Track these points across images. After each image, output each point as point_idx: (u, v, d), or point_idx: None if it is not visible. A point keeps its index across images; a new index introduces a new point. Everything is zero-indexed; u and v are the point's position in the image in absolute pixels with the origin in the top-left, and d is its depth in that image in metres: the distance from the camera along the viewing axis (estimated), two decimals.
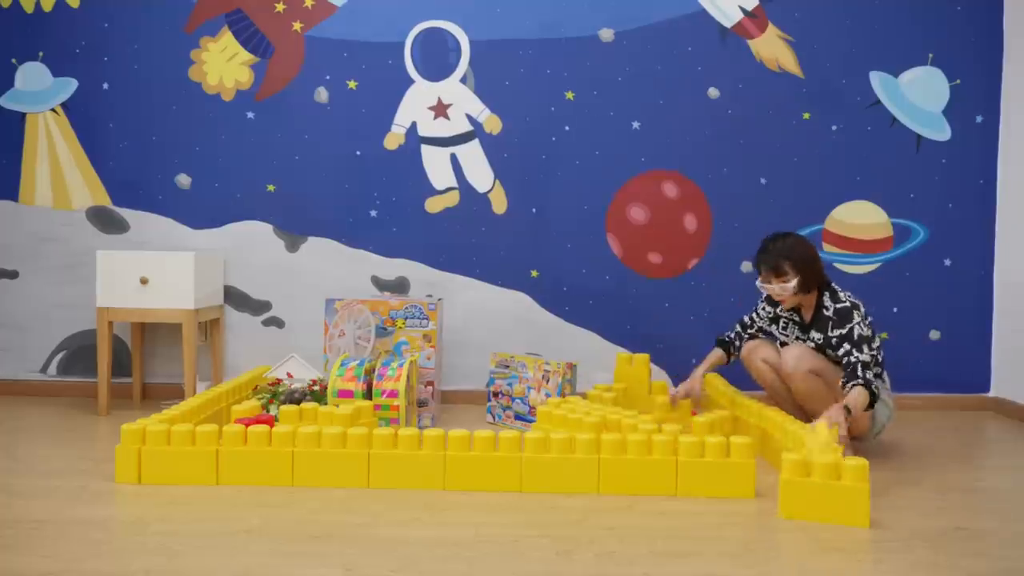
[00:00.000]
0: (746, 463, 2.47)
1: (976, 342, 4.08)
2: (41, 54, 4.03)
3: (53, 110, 4.05)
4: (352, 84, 4.04)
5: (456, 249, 4.05)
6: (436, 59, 4.04)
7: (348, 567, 1.92)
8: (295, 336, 4.06)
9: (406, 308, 3.69)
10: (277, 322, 4.08)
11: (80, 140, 4.06)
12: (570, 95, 4.04)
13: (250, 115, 4.04)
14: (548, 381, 3.56)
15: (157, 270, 3.68)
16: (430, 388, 3.62)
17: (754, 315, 3.33)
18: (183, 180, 4.06)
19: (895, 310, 4.06)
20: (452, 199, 4.06)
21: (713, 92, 4.03)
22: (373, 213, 4.05)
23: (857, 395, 2.81)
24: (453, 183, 4.05)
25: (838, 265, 4.06)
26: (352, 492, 2.52)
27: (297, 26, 4.02)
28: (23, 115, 4.06)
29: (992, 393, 4.07)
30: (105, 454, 2.89)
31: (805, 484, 2.27)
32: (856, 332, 2.94)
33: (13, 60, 4.04)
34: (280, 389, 3.23)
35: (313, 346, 3.94)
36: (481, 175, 4.05)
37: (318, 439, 2.59)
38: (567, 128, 4.04)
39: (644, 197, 4.05)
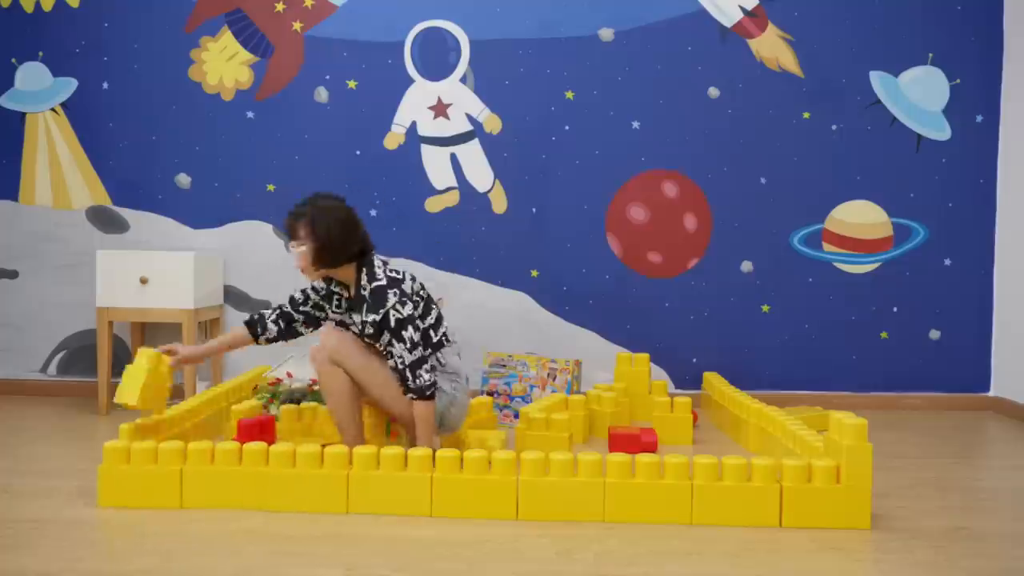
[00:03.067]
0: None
1: (976, 342, 4.08)
2: (41, 54, 4.03)
3: (53, 110, 4.05)
4: (352, 84, 4.04)
5: (456, 249, 4.05)
6: (436, 59, 4.04)
7: (348, 567, 1.92)
8: None
9: None
10: None
11: (80, 140, 4.06)
12: (570, 95, 4.04)
13: (250, 115, 4.04)
14: (555, 379, 3.57)
15: (157, 270, 3.68)
16: None
17: (309, 289, 2.76)
18: (183, 180, 4.06)
19: (895, 310, 4.06)
20: (452, 199, 4.06)
21: (713, 92, 4.03)
22: (373, 213, 4.05)
23: (420, 415, 2.52)
24: (453, 183, 4.05)
25: (838, 265, 4.06)
26: None
27: (297, 26, 4.02)
28: (23, 115, 4.06)
29: (992, 393, 4.07)
30: None
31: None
32: (392, 317, 2.50)
33: (13, 60, 4.04)
34: (280, 389, 3.23)
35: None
36: (481, 175, 4.05)
37: (292, 458, 2.34)
38: (567, 128, 4.04)
39: (644, 197, 4.05)
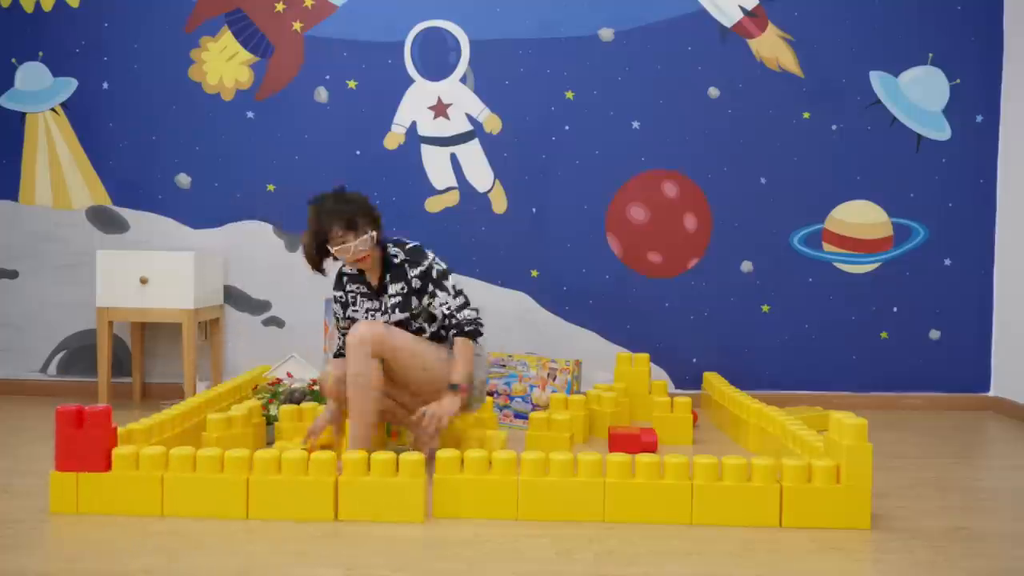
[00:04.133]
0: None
1: (976, 342, 4.08)
2: (41, 54, 4.03)
3: (53, 110, 4.05)
4: (352, 84, 4.04)
5: (456, 249, 4.04)
6: (436, 59, 4.04)
7: (348, 567, 1.92)
8: (295, 336, 4.06)
9: None
10: (277, 322, 4.08)
11: (80, 140, 4.06)
12: (570, 95, 4.04)
13: (250, 115, 4.04)
14: (555, 379, 3.57)
15: (157, 270, 3.68)
16: None
17: (338, 314, 2.83)
18: (183, 180, 4.06)
19: (895, 310, 4.06)
20: (452, 199, 4.06)
21: (713, 92, 4.03)
22: None
23: (462, 351, 2.60)
24: (453, 183, 4.05)
25: (838, 265, 4.06)
26: None
27: (297, 26, 4.02)
28: (23, 115, 4.06)
29: (992, 393, 4.07)
30: None
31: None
32: (435, 269, 2.70)
33: (13, 60, 4.04)
34: (280, 389, 3.23)
35: (313, 346, 3.94)
36: (481, 175, 4.05)
37: (277, 464, 2.27)
38: (567, 128, 4.04)
39: (644, 197, 4.05)
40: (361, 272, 2.76)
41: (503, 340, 4.02)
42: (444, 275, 2.71)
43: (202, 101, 4.04)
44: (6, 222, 4.08)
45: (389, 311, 2.71)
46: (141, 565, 1.91)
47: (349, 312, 2.80)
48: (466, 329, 2.63)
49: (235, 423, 2.86)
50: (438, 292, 2.66)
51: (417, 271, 2.69)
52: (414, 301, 2.69)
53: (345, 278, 2.81)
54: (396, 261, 2.71)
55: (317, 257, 2.68)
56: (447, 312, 2.64)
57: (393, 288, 2.71)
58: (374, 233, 2.66)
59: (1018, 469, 2.98)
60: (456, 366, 2.62)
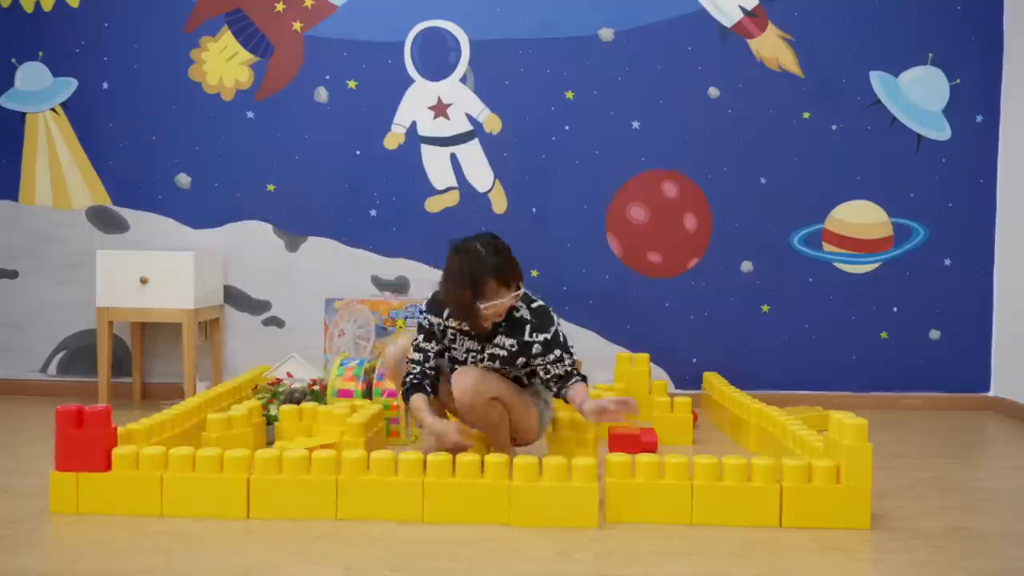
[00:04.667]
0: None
1: (976, 342, 4.08)
2: (41, 54, 4.03)
3: (53, 110, 4.05)
4: (352, 84, 4.04)
5: None
6: (436, 59, 4.04)
7: (348, 567, 1.92)
8: (295, 336, 4.06)
9: (406, 308, 3.69)
10: (277, 322, 4.08)
11: (80, 140, 4.06)
12: (570, 95, 4.04)
13: (250, 115, 4.04)
14: None
15: (157, 270, 3.68)
16: None
17: (422, 343, 2.68)
18: (183, 180, 4.06)
19: (895, 310, 4.06)
20: (452, 199, 4.06)
21: (713, 92, 4.03)
22: (373, 213, 4.06)
23: (583, 391, 2.58)
24: (453, 183, 4.05)
25: (838, 265, 4.06)
26: None
27: (297, 26, 4.03)
28: (23, 115, 4.06)
29: (992, 393, 4.07)
30: None
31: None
32: (561, 335, 2.61)
33: (13, 60, 4.04)
34: (280, 389, 3.23)
35: (313, 346, 3.94)
36: (481, 175, 4.05)
37: (277, 464, 2.26)
38: (567, 128, 4.04)
39: (644, 197, 4.05)
40: None
41: None
42: (566, 338, 2.63)
43: (202, 101, 4.04)
44: (6, 222, 4.08)
45: (488, 360, 2.62)
46: (141, 565, 1.91)
47: (440, 344, 2.68)
48: (582, 375, 2.66)
49: (235, 423, 2.85)
50: (565, 356, 2.61)
51: (542, 337, 2.57)
52: (521, 360, 2.61)
53: (447, 310, 2.62)
54: (516, 315, 2.57)
55: (473, 310, 2.46)
56: (568, 370, 2.62)
57: (504, 340, 2.59)
58: (521, 292, 2.54)
59: (1018, 469, 2.98)
60: (580, 399, 2.58)
